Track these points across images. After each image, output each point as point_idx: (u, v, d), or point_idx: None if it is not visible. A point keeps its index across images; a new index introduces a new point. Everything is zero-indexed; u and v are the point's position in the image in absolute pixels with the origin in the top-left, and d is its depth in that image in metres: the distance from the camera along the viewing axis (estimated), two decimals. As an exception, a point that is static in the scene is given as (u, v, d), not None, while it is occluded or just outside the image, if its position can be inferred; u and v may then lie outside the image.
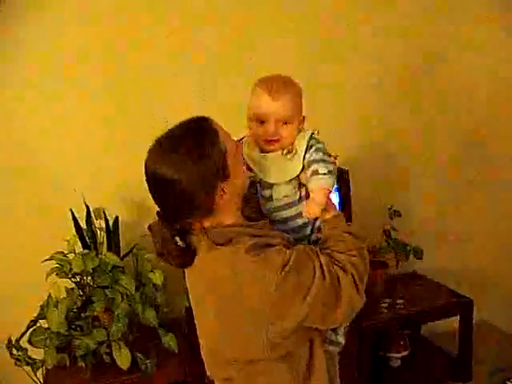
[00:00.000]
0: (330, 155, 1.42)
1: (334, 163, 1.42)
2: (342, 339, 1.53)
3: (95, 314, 2.12)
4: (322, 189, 1.36)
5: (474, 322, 2.69)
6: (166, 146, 1.30)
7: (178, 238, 1.34)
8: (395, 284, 2.79)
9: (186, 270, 1.43)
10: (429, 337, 2.98)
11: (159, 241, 1.34)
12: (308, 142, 1.41)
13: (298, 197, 1.44)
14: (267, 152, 1.43)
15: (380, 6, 2.71)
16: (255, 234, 1.35)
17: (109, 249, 2.26)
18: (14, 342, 2.08)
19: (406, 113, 2.87)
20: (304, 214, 1.39)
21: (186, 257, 1.36)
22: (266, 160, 1.44)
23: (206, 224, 1.36)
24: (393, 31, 2.75)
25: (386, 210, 2.70)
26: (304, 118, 1.46)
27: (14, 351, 2.07)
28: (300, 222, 1.45)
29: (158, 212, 1.36)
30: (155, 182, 1.31)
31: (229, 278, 1.30)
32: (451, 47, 2.88)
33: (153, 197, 1.35)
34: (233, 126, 1.37)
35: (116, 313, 2.12)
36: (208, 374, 1.48)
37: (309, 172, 1.39)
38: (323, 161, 1.37)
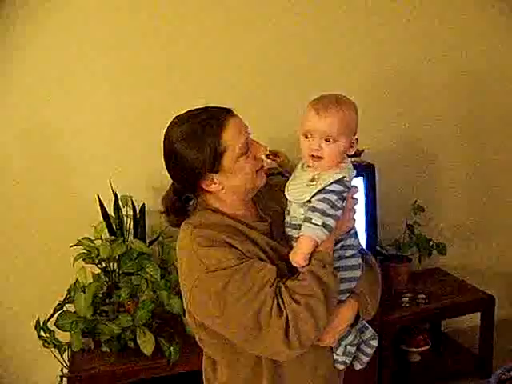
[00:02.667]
0: (338, 208, 1.37)
1: (337, 220, 1.37)
2: (342, 358, 1.51)
3: (121, 300, 2.15)
4: (308, 237, 1.33)
5: (495, 318, 2.69)
6: (181, 118, 1.40)
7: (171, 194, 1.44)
8: (418, 279, 2.79)
9: None
10: (450, 333, 2.99)
11: (164, 200, 1.46)
12: (330, 184, 1.37)
13: (299, 223, 1.40)
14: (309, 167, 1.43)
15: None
16: (237, 228, 1.39)
17: (135, 236, 2.29)
18: (41, 324, 2.12)
19: (434, 110, 2.86)
20: (291, 261, 1.37)
21: (176, 217, 1.44)
22: (295, 176, 1.45)
23: (206, 200, 1.44)
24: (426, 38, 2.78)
25: (410, 204, 2.69)
26: (356, 140, 1.42)
27: (42, 333, 2.12)
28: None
29: None
30: (163, 142, 1.42)
31: (178, 250, 1.42)
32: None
33: None
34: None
35: (141, 299, 2.15)
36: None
37: (305, 215, 1.36)
38: (322, 212, 1.34)
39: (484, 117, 2.96)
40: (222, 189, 1.40)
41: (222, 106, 1.41)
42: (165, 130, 1.41)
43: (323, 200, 1.35)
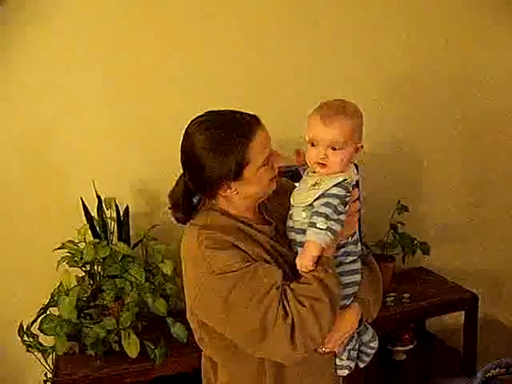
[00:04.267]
0: (341, 213, 1.37)
1: (341, 224, 1.37)
2: (346, 362, 1.53)
3: (105, 302, 2.14)
4: (313, 242, 1.33)
5: (479, 317, 2.71)
6: (207, 122, 1.38)
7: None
8: (402, 278, 2.80)
9: None
10: (434, 331, 3.01)
11: (174, 192, 1.46)
12: (331, 187, 1.37)
13: (302, 227, 1.41)
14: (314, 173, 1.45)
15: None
16: (243, 230, 1.40)
17: (119, 238, 2.28)
18: (25, 328, 2.10)
19: (418, 109, 2.87)
20: (298, 266, 1.38)
21: (183, 213, 1.46)
22: (301, 182, 1.47)
23: (215, 201, 1.45)
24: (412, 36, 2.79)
25: (395, 204, 2.71)
26: (362, 146, 1.44)
27: (26, 337, 2.10)
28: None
29: None
30: (182, 142, 1.41)
31: (183, 251, 1.44)
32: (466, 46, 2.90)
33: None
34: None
35: (126, 302, 2.14)
36: None
37: (309, 221, 1.37)
38: (326, 217, 1.34)
39: (471, 117, 2.98)
40: (236, 194, 1.40)
41: (248, 112, 1.41)
42: (186, 131, 1.39)
43: (326, 204, 1.36)
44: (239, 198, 1.42)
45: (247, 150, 1.34)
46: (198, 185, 1.42)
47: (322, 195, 1.37)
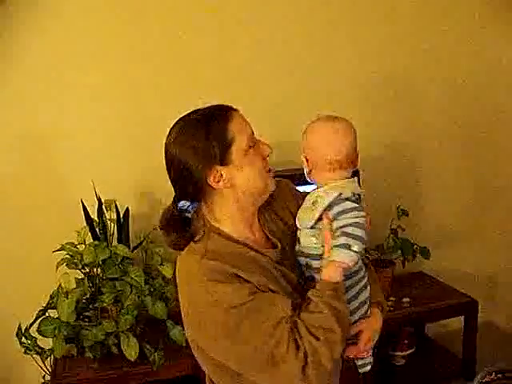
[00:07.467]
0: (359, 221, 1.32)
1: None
2: (369, 359, 1.52)
3: (104, 305, 2.13)
4: (343, 263, 1.29)
5: (479, 322, 2.71)
6: (183, 117, 1.38)
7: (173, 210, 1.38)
8: (401, 283, 2.79)
9: None
10: (433, 336, 3.00)
11: (164, 213, 1.39)
12: (330, 203, 1.33)
13: (316, 252, 1.37)
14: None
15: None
16: (247, 255, 1.34)
17: (119, 241, 2.27)
18: (23, 330, 2.09)
19: (418, 112, 2.87)
20: (325, 276, 1.31)
21: (180, 240, 1.37)
22: (305, 199, 1.44)
23: (211, 223, 1.38)
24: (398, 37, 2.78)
25: (394, 209, 2.70)
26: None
27: (24, 340, 2.09)
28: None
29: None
30: (165, 153, 1.38)
31: (181, 280, 1.36)
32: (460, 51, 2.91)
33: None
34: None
35: (125, 304, 2.13)
36: None
37: (339, 240, 1.30)
38: (362, 239, 1.30)
39: (468, 123, 2.98)
40: (231, 187, 1.34)
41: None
42: (166, 142, 1.37)
43: (354, 225, 1.31)
44: (236, 196, 1.35)
45: (227, 128, 1.31)
46: (187, 185, 1.34)
47: (341, 213, 1.33)
